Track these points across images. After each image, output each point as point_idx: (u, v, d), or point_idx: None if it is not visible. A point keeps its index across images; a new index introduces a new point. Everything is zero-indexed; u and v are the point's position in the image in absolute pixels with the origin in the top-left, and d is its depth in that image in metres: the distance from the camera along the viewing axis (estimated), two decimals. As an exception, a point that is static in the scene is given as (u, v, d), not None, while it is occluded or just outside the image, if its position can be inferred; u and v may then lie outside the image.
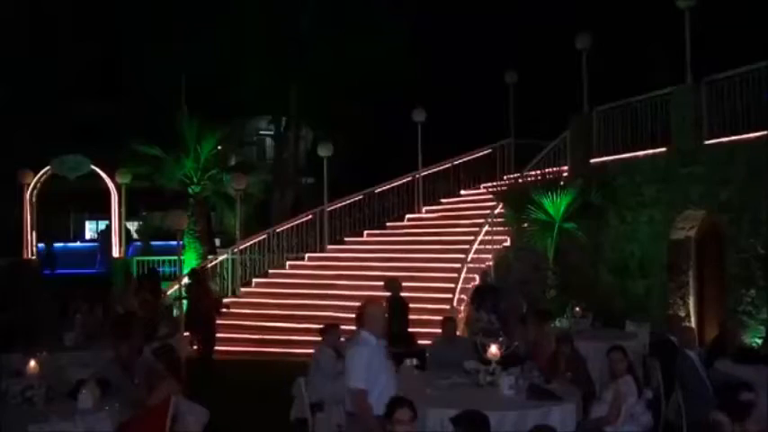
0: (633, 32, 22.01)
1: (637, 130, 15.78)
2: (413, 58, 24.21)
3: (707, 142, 13.78)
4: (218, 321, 17.58)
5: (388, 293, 13.72)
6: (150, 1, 25.09)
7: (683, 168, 14.23)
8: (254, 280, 20.25)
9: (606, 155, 16.69)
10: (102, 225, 30.51)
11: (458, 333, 12.27)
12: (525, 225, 16.44)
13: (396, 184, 21.93)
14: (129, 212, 25.72)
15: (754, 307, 12.49)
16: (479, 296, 14.18)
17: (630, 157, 15.80)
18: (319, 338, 10.64)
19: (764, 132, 12.45)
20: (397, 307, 13.29)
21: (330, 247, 21.04)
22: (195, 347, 14.96)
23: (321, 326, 10.66)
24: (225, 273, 20.13)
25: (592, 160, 17.14)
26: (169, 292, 18.75)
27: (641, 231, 15.42)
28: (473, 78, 24.80)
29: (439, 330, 11.41)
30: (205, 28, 24.86)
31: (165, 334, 12.45)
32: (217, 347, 16.40)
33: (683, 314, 14.07)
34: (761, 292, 12.40)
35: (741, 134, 12.98)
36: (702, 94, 13.96)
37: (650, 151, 15.25)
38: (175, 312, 17.59)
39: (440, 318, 11.99)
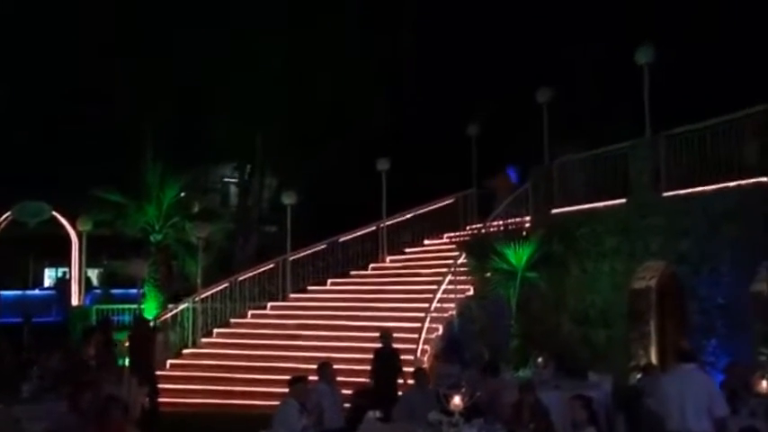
0: (593, 87, 22.46)
1: (597, 181, 16.00)
2: (378, 106, 24.43)
3: (665, 194, 14.03)
4: (179, 373, 17.45)
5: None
6: (115, 44, 25.07)
7: (643, 220, 14.44)
8: (216, 330, 19.97)
9: (567, 205, 16.87)
10: (62, 272, 30.11)
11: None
12: (488, 274, 16.50)
13: (360, 233, 21.93)
14: (90, 260, 25.33)
15: (715, 357, 12.60)
16: (449, 348, 14.18)
17: (590, 209, 15.99)
18: (281, 390, 10.51)
19: (722, 185, 12.72)
20: (383, 359, 13.25)
21: (293, 295, 20.91)
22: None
23: (286, 377, 10.50)
24: (185, 322, 19.85)
25: (553, 211, 17.31)
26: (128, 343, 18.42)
27: (602, 281, 15.54)
28: (437, 129, 25.06)
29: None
30: (170, 74, 24.88)
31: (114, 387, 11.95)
32: (178, 399, 16.19)
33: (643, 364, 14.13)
34: (722, 342, 12.53)
35: (699, 186, 13.25)
36: (661, 148, 14.24)
37: (610, 202, 15.46)
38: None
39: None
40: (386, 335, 13.80)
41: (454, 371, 13.40)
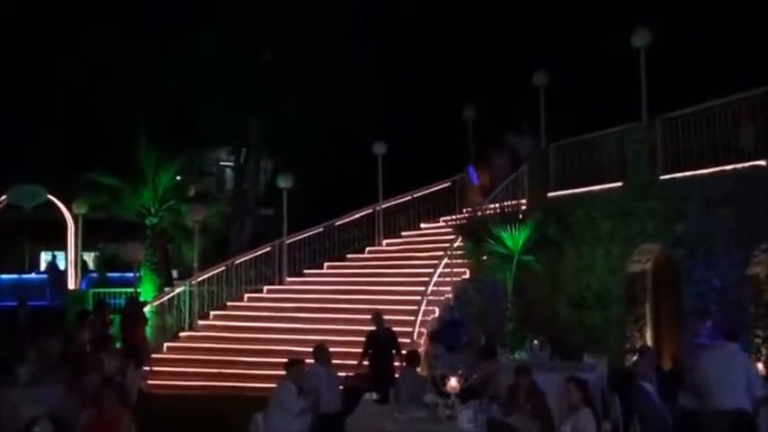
0: (589, 70, 22.40)
1: (593, 165, 16.01)
2: (374, 90, 24.35)
3: (662, 177, 14.05)
4: (176, 356, 17.49)
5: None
6: (110, 31, 24.94)
7: (639, 203, 14.47)
8: (212, 312, 19.98)
9: (563, 189, 16.90)
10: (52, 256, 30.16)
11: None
12: (484, 258, 16.53)
13: (356, 216, 21.92)
14: (87, 243, 25.33)
15: (710, 339, 12.65)
16: (440, 329, 14.21)
17: (587, 192, 16.01)
18: (278, 373, 10.53)
19: (718, 169, 12.75)
20: (378, 342, 13.27)
21: (289, 279, 20.91)
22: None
23: (282, 360, 10.53)
24: (182, 305, 19.86)
25: (549, 194, 17.33)
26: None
27: (598, 264, 15.59)
28: (433, 112, 25.00)
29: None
30: (165, 57, 24.77)
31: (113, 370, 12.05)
32: (174, 382, 16.24)
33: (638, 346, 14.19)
34: (717, 324, 12.57)
35: (695, 170, 13.27)
36: (657, 131, 14.25)
37: (606, 186, 15.48)
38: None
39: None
40: (378, 317, 13.81)
41: (440, 351, 13.47)
